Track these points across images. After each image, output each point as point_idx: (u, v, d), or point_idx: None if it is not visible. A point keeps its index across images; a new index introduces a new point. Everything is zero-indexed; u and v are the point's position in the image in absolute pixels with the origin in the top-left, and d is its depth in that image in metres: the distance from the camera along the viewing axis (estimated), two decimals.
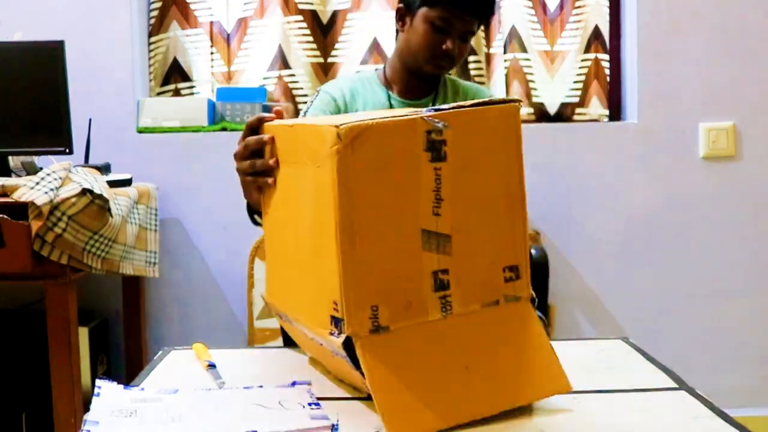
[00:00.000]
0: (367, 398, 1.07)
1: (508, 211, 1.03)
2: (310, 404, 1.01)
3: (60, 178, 2.00)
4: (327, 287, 0.97)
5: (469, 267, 1.00)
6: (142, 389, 1.10)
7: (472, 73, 2.64)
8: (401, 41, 1.82)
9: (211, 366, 1.22)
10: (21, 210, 1.96)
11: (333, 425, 0.95)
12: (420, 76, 1.81)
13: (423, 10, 1.73)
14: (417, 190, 0.97)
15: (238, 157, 1.23)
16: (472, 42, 2.60)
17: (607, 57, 2.73)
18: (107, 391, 1.07)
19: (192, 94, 2.74)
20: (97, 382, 1.09)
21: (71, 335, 2.06)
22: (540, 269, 2.11)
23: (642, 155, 2.62)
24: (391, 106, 1.82)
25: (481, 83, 2.64)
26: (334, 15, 2.72)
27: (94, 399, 1.03)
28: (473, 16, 1.74)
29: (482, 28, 2.65)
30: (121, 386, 1.09)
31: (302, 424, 0.95)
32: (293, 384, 1.10)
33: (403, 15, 1.80)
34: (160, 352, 1.36)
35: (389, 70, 1.87)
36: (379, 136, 0.94)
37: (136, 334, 2.54)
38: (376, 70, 1.91)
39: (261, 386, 1.10)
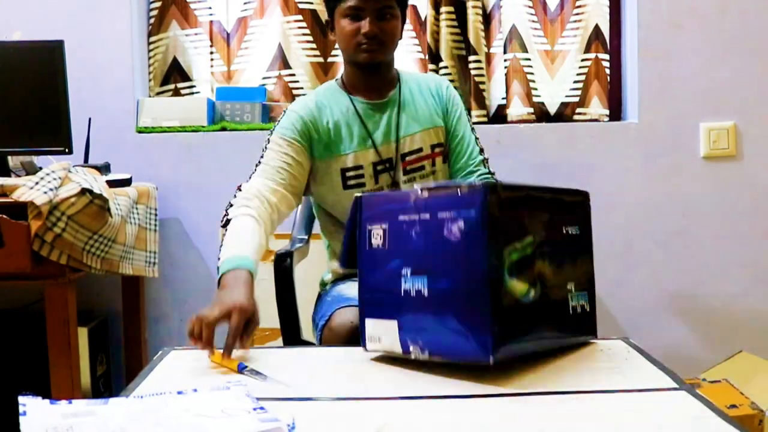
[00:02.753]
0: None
1: None
2: (254, 409, 0.98)
3: (59, 177, 2.00)
4: None
5: None
6: (70, 402, 1.02)
7: (473, 72, 2.63)
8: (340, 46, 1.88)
9: (243, 367, 1.21)
10: (20, 210, 1.95)
11: (289, 425, 0.93)
12: (369, 71, 1.84)
13: (337, 10, 1.82)
14: None
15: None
16: (472, 42, 2.62)
17: (607, 57, 2.73)
18: (33, 408, 0.98)
19: (192, 93, 2.74)
20: (20, 399, 0.99)
21: (71, 335, 2.06)
22: None
23: (642, 155, 2.62)
24: (356, 110, 1.85)
25: (481, 83, 2.64)
26: None
27: (21, 419, 0.95)
28: None
29: (484, 25, 2.65)
30: (47, 401, 1.00)
31: (255, 430, 0.91)
32: (228, 385, 1.08)
33: (330, 24, 1.87)
34: (160, 352, 1.36)
35: (346, 78, 1.91)
36: None
37: (136, 334, 2.54)
38: (335, 80, 1.94)
39: (195, 390, 1.07)
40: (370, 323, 1.25)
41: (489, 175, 1.88)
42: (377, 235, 1.24)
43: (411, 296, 1.18)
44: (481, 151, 1.91)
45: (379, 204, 1.25)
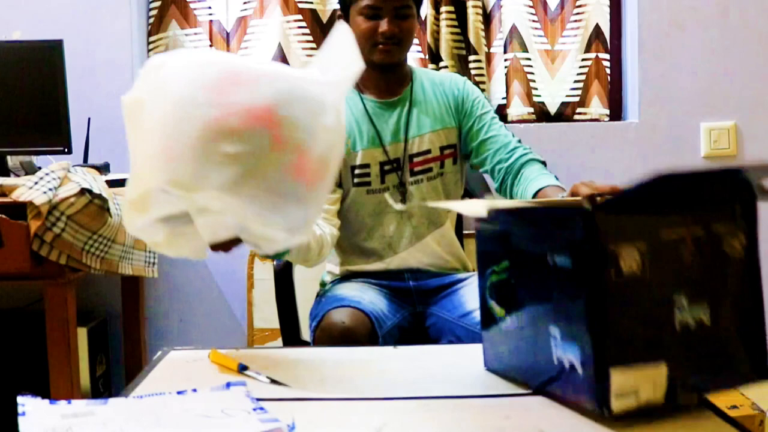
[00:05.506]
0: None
1: None
2: (254, 409, 0.97)
3: (59, 177, 2.00)
4: None
5: None
6: (69, 402, 1.01)
7: (473, 72, 2.63)
8: None
9: (243, 367, 1.21)
10: (20, 210, 1.95)
11: (289, 426, 0.93)
12: (382, 70, 1.83)
13: (353, 8, 1.79)
14: None
15: None
16: (473, 41, 2.62)
17: (607, 56, 2.73)
18: (32, 408, 0.98)
19: None
20: (19, 399, 0.98)
21: (70, 335, 2.06)
22: None
23: (643, 155, 2.61)
24: (366, 109, 1.84)
25: (482, 83, 2.63)
26: (334, 14, 2.71)
27: (20, 419, 0.94)
28: None
29: (485, 25, 2.65)
30: (46, 401, 1.00)
31: (255, 430, 0.91)
32: (228, 385, 1.08)
33: (343, 20, 1.83)
34: (159, 353, 1.36)
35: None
36: None
37: (135, 335, 2.53)
38: None
39: (195, 390, 1.07)
40: (619, 376, 0.93)
41: (529, 151, 1.85)
42: (632, 258, 0.96)
43: (690, 329, 0.98)
44: (513, 135, 1.88)
45: (627, 217, 0.98)
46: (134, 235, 1.31)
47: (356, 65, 1.24)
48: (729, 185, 1.01)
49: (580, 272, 0.95)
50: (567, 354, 0.98)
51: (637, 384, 0.94)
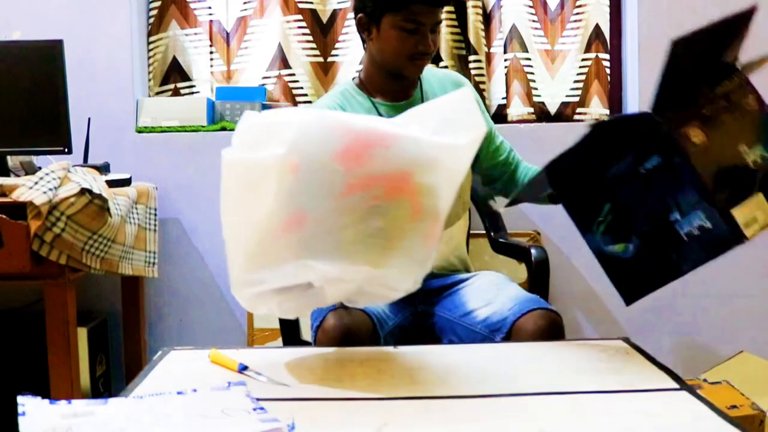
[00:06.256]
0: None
1: None
2: (254, 409, 0.98)
3: (59, 177, 2.00)
4: None
5: None
6: (69, 402, 1.01)
7: (473, 72, 2.63)
8: (372, 50, 1.81)
9: (243, 367, 1.21)
10: (20, 210, 1.95)
11: (289, 426, 0.93)
12: (401, 77, 1.81)
13: (388, 18, 1.73)
14: None
15: None
16: (473, 41, 2.62)
17: (607, 56, 2.73)
18: (32, 408, 0.98)
19: (191, 93, 2.74)
20: (19, 399, 0.99)
21: (70, 335, 2.06)
22: (541, 269, 2.11)
23: None
24: (378, 113, 1.82)
25: (482, 83, 2.63)
26: (334, 14, 2.72)
27: (21, 419, 0.95)
28: (437, 5, 1.75)
29: (482, 27, 2.65)
30: (46, 401, 1.00)
31: (255, 430, 0.91)
32: (228, 385, 1.08)
33: (366, 25, 1.79)
34: (160, 353, 1.36)
35: (366, 78, 1.86)
36: None
37: (135, 335, 2.53)
38: (353, 79, 1.90)
39: (195, 390, 1.07)
40: (738, 212, 1.24)
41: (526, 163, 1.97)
42: (697, 133, 1.26)
43: (760, 164, 1.28)
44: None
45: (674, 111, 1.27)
46: (241, 301, 1.24)
47: (480, 129, 1.22)
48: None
49: (670, 160, 1.24)
50: (694, 223, 1.25)
51: (752, 213, 1.24)
